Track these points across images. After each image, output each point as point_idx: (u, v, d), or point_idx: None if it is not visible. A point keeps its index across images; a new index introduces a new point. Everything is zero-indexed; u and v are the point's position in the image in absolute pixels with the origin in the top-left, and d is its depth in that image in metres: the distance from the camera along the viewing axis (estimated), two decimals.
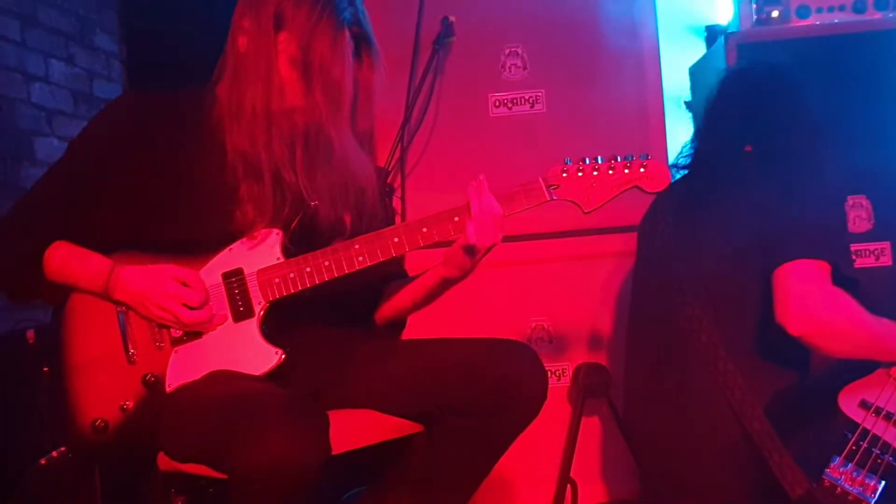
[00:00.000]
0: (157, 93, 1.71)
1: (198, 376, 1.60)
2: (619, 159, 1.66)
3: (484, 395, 1.62)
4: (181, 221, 1.63)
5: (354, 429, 1.70)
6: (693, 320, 1.90)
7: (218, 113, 1.64)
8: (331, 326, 1.77)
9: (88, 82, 3.18)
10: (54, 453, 1.60)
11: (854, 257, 2.55)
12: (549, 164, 1.70)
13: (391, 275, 1.85)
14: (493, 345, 1.70)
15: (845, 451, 1.75)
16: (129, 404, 1.60)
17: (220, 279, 1.64)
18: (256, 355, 1.61)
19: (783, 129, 1.97)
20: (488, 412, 1.63)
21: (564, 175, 1.66)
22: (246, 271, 1.64)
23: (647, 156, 1.66)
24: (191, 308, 1.60)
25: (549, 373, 2.59)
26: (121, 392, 1.60)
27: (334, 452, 1.47)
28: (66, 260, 1.63)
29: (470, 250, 1.65)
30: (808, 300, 1.72)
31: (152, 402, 1.60)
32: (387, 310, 1.86)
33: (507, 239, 2.58)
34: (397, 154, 2.58)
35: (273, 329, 1.64)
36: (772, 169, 1.92)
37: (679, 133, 3.24)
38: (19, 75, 2.77)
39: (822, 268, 1.76)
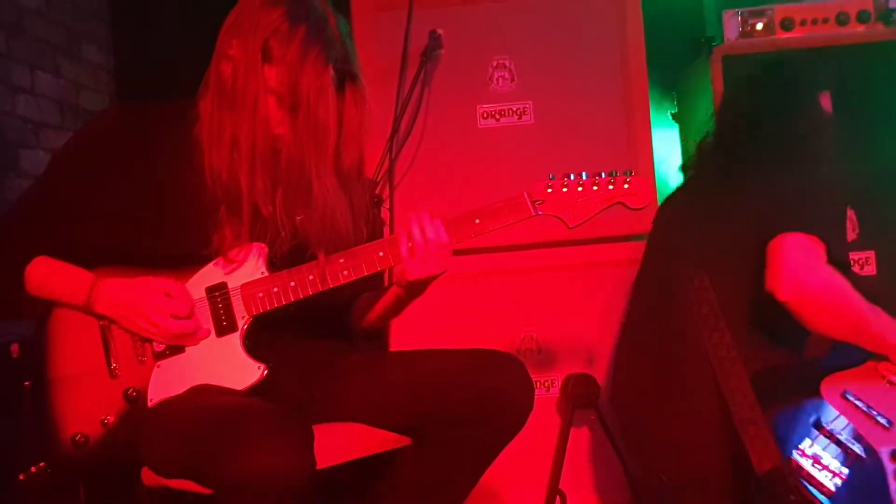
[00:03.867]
0: (142, 106, 1.70)
1: (180, 391, 1.59)
2: (603, 175, 1.68)
3: (470, 406, 1.62)
4: (164, 237, 1.63)
5: (341, 442, 1.69)
6: (698, 290, 1.90)
7: (199, 131, 1.64)
8: (315, 340, 1.76)
9: (75, 94, 3.17)
10: (33, 469, 1.58)
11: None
12: (537, 176, 1.70)
13: (374, 289, 1.84)
14: (479, 356, 1.70)
15: (817, 437, 1.76)
16: (110, 419, 1.59)
17: (203, 293, 1.63)
18: (239, 370, 1.61)
19: (791, 116, 1.97)
20: (475, 423, 1.63)
21: (549, 191, 1.67)
22: (230, 285, 1.63)
23: (631, 172, 1.67)
24: (177, 318, 1.59)
25: (537, 384, 2.59)
26: (102, 406, 1.59)
27: (320, 466, 1.46)
28: (47, 275, 1.62)
29: (415, 282, 1.65)
30: (800, 268, 1.72)
31: (134, 416, 1.59)
32: (355, 320, 1.87)
33: (496, 249, 2.63)
34: (385, 165, 2.59)
35: (256, 343, 1.63)
36: (779, 152, 1.92)
37: (665, 144, 3.27)
38: (4, 87, 2.76)
39: (817, 243, 1.76)
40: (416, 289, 1.70)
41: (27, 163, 2.83)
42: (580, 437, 2.62)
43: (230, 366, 1.61)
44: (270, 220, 1.63)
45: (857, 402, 1.80)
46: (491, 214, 1.66)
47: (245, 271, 1.64)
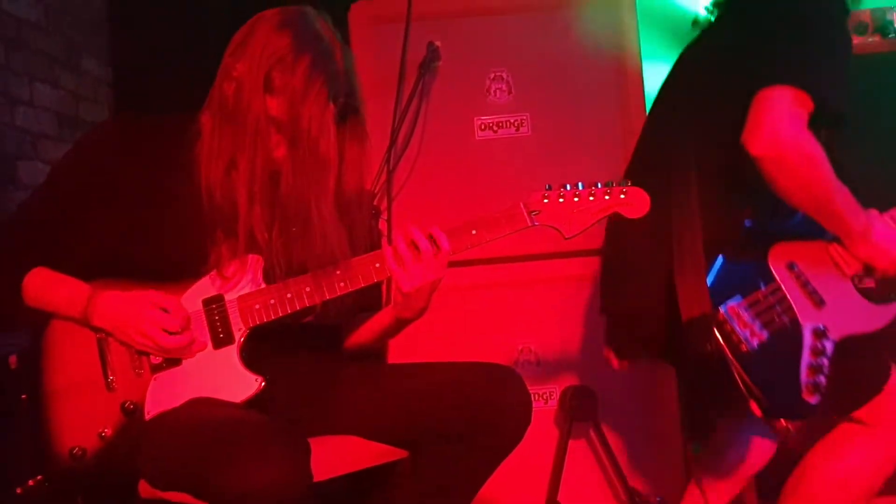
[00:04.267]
0: (143, 118, 1.70)
1: (177, 403, 1.58)
2: (599, 185, 1.68)
3: (467, 419, 1.62)
4: (162, 250, 1.62)
5: (338, 455, 1.69)
6: (675, 145, 1.86)
7: (199, 148, 1.64)
8: (312, 353, 1.76)
9: (74, 105, 3.17)
10: (31, 482, 1.57)
11: None
12: (534, 187, 1.70)
13: (369, 302, 1.84)
14: (477, 369, 1.69)
15: (751, 298, 1.75)
16: (108, 432, 1.59)
17: (200, 306, 1.63)
18: (236, 382, 1.60)
19: None
20: (472, 437, 1.63)
21: (545, 201, 1.67)
22: (227, 298, 1.63)
23: (628, 182, 1.67)
24: (171, 333, 1.58)
25: (535, 396, 2.59)
26: (99, 419, 1.59)
27: (317, 479, 1.46)
28: (44, 286, 1.62)
29: (410, 293, 1.64)
30: (779, 126, 1.66)
31: (131, 429, 1.58)
32: (349, 342, 1.86)
33: (493, 261, 2.63)
34: (384, 177, 2.59)
35: (253, 356, 1.63)
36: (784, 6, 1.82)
37: None
38: (3, 98, 2.76)
39: (803, 102, 1.68)
40: (412, 303, 1.68)
41: (25, 175, 2.84)
42: (578, 449, 2.61)
43: (227, 378, 1.60)
44: (265, 247, 1.64)
45: (800, 275, 1.79)
46: (487, 225, 1.66)
47: (242, 283, 1.64)
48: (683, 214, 1.77)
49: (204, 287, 1.64)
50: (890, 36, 2.70)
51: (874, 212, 1.84)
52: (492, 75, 2.67)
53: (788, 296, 1.78)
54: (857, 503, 1.88)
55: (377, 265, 1.64)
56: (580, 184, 1.68)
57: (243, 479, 1.34)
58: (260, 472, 1.34)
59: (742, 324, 1.73)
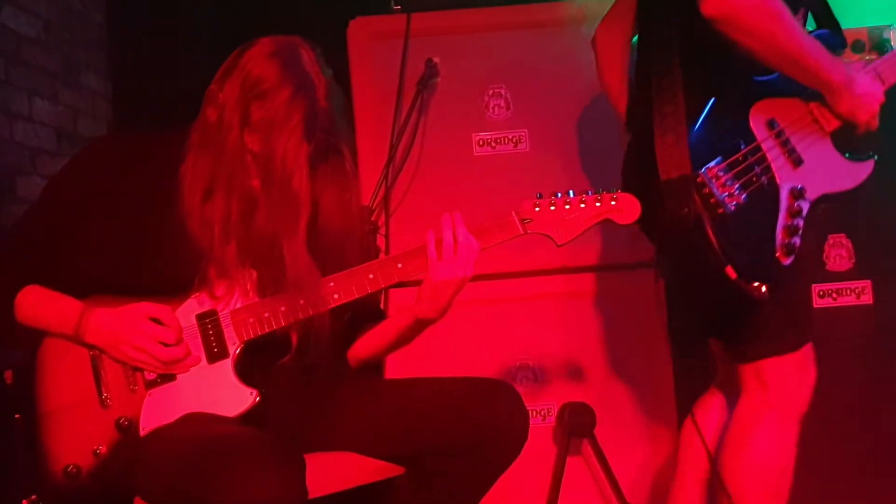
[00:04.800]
0: (136, 135, 1.71)
1: (172, 419, 1.58)
2: (590, 193, 1.69)
3: (464, 435, 1.61)
4: (153, 268, 1.62)
5: (334, 472, 1.68)
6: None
7: (183, 171, 1.63)
8: (308, 366, 1.75)
9: (73, 121, 3.18)
10: (25, 501, 1.56)
11: (834, 296, 2.57)
12: None
13: (368, 313, 1.84)
14: (474, 384, 1.69)
15: (731, 159, 1.75)
16: (103, 449, 1.58)
17: (193, 320, 1.63)
18: (231, 397, 1.60)
19: None
20: (469, 453, 1.62)
21: (537, 209, 1.69)
22: (220, 312, 1.63)
23: (618, 189, 1.69)
24: (166, 345, 1.58)
25: (533, 412, 2.58)
26: (94, 437, 1.58)
27: (312, 496, 1.46)
28: (37, 304, 1.61)
29: (441, 283, 1.63)
30: None
31: (126, 446, 1.57)
32: (361, 351, 1.83)
33: (492, 276, 2.63)
34: (381, 192, 2.59)
35: (248, 370, 1.62)
36: None
37: None
38: (1, 114, 2.77)
39: None
40: (439, 298, 1.65)
41: (24, 189, 2.84)
42: (576, 466, 2.60)
43: (222, 393, 1.60)
44: (240, 281, 1.62)
45: (779, 133, 1.79)
46: (480, 234, 1.68)
47: (235, 297, 1.63)
48: (662, 76, 1.76)
49: (196, 303, 1.63)
50: (887, 54, 2.71)
51: (858, 65, 1.83)
52: (490, 92, 2.68)
53: (768, 155, 1.77)
54: (779, 481, 1.91)
55: (370, 276, 1.64)
56: (571, 192, 1.69)
57: (238, 495, 1.33)
58: (255, 488, 1.33)
59: (720, 186, 1.72)
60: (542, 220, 1.68)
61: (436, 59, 2.60)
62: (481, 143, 2.68)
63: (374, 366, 1.90)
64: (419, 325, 1.73)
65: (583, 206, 1.68)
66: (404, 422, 1.69)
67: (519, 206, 1.70)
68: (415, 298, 1.69)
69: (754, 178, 1.76)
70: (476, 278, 2.59)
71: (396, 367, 2.50)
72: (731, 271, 1.70)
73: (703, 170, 1.72)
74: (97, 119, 3.34)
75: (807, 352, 1.94)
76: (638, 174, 1.90)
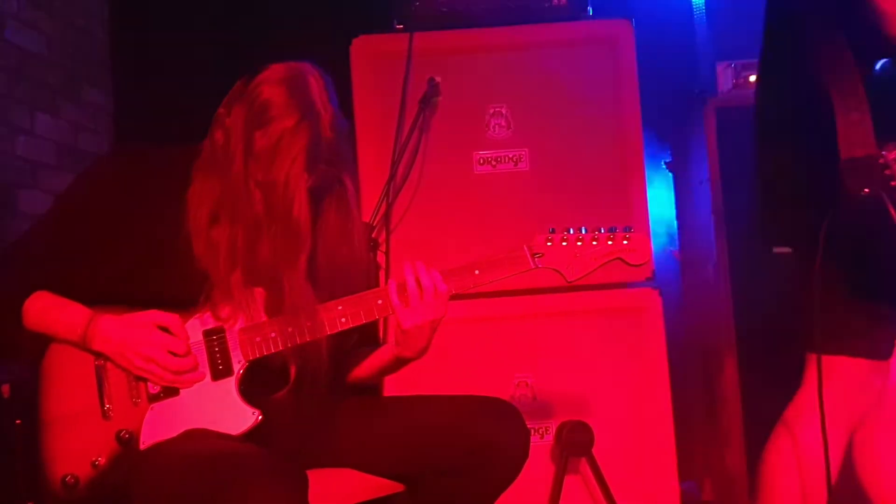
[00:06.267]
0: (146, 150, 1.71)
1: (173, 434, 1.57)
2: (602, 231, 1.70)
3: (464, 454, 1.61)
4: (161, 283, 1.62)
5: (335, 488, 1.68)
6: None
7: (191, 193, 1.63)
8: (310, 386, 1.74)
9: (74, 135, 3.19)
10: None
11: None
12: (532, 222, 1.73)
13: (367, 338, 1.84)
14: (474, 403, 1.69)
15: None
16: (101, 460, 1.57)
17: (200, 336, 1.63)
18: (233, 415, 1.60)
19: None
20: (469, 472, 1.62)
21: (549, 244, 1.69)
22: (227, 329, 1.63)
23: (631, 228, 1.70)
24: (175, 355, 1.58)
25: (532, 431, 2.56)
26: (94, 448, 1.57)
27: None
28: (45, 309, 1.61)
29: (410, 329, 1.64)
30: None
31: (125, 458, 1.57)
32: (348, 376, 1.85)
33: (491, 294, 2.63)
34: (382, 209, 2.60)
35: (251, 389, 1.62)
36: None
37: (660, 193, 3.30)
38: (4, 128, 2.78)
39: None
40: (413, 342, 1.67)
41: (25, 203, 2.84)
42: (574, 486, 2.59)
43: (225, 410, 1.60)
44: (245, 306, 1.62)
45: None
46: (490, 266, 1.68)
47: (243, 316, 1.63)
48: (833, 56, 1.67)
49: (200, 322, 1.63)
50: None
51: None
52: (491, 111, 2.70)
53: None
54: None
55: (379, 301, 1.65)
56: (583, 228, 1.70)
57: None
58: (258, 503, 1.33)
59: None
60: (553, 256, 1.69)
61: (438, 78, 2.62)
62: (482, 161, 2.70)
63: (364, 389, 1.90)
64: (400, 363, 1.75)
65: (595, 243, 1.69)
66: (404, 440, 1.69)
67: (531, 241, 1.70)
68: (393, 339, 1.70)
69: None
70: (475, 296, 2.62)
71: (395, 385, 2.49)
72: None
73: (885, 150, 1.62)
74: (99, 134, 3.35)
75: None
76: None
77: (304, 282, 1.61)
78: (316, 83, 1.61)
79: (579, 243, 1.68)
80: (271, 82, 1.59)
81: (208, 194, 1.61)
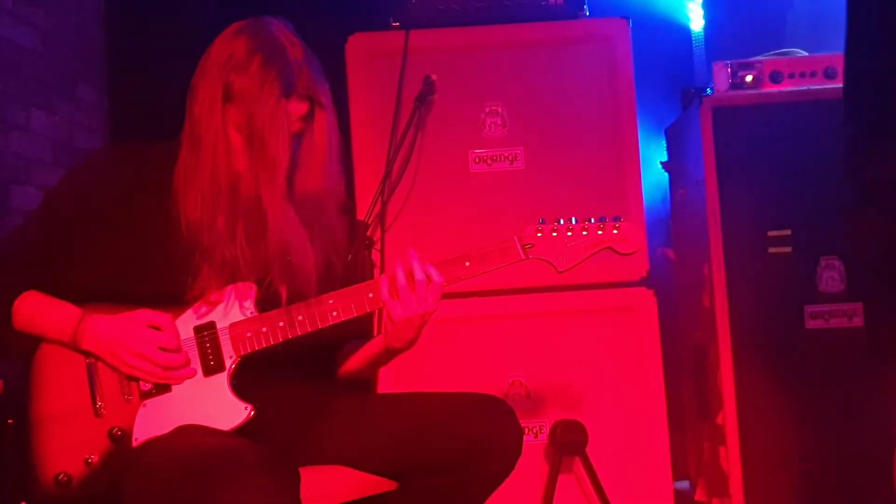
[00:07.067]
0: (137, 145, 1.72)
1: (166, 430, 1.57)
2: (592, 221, 1.70)
3: (457, 451, 1.61)
4: (151, 278, 1.62)
5: (327, 485, 1.67)
6: None
7: (176, 175, 1.65)
8: (302, 382, 1.75)
9: (69, 132, 3.18)
10: None
11: (827, 317, 2.57)
12: (527, 220, 1.72)
13: (360, 331, 1.84)
14: (467, 400, 1.69)
15: None
16: (94, 458, 1.57)
17: (191, 333, 1.62)
18: (226, 410, 1.59)
19: None
20: (462, 469, 1.62)
21: (539, 235, 1.69)
22: (218, 325, 1.63)
23: (620, 218, 1.70)
24: (166, 351, 1.58)
25: (525, 430, 2.57)
26: (86, 445, 1.57)
27: None
28: (34, 309, 1.61)
29: (400, 322, 1.64)
30: None
31: (118, 456, 1.56)
32: (341, 369, 1.85)
33: (485, 293, 2.63)
34: (377, 207, 2.59)
35: (243, 384, 1.62)
36: None
37: (655, 191, 3.30)
38: None
39: None
40: (402, 334, 1.67)
41: (18, 200, 2.83)
42: (567, 484, 2.59)
43: (217, 406, 1.59)
44: (233, 261, 1.62)
45: None
46: (481, 258, 1.68)
47: (234, 311, 1.63)
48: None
49: (194, 315, 1.63)
50: None
51: None
52: (487, 109, 2.70)
53: None
54: None
55: (370, 295, 1.64)
56: (573, 218, 1.70)
57: None
58: (249, 501, 1.33)
59: None
60: (543, 246, 1.69)
61: (433, 77, 2.62)
62: (477, 160, 2.70)
63: (357, 383, 1.90)
64: (390, 353, 1.75)
65: (585, 233, 1.69)
66: (396, 437, 1.68)
67: (521, 231, 1.70)
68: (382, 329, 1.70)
69: None
70: (471, 294, 2.62)
71: (389, 382, 2.49)
72: None
73: None
74: (93, 131, 3.34)
75: None
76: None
77: (284, 201, 1.63)
78: (276, 24, 1.67)
79: (569, 233, 1.69)
80: (230, 36, 1.66)
81: (190, 168, 1.62)
